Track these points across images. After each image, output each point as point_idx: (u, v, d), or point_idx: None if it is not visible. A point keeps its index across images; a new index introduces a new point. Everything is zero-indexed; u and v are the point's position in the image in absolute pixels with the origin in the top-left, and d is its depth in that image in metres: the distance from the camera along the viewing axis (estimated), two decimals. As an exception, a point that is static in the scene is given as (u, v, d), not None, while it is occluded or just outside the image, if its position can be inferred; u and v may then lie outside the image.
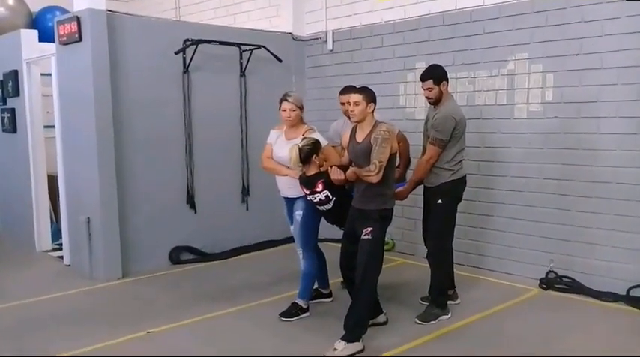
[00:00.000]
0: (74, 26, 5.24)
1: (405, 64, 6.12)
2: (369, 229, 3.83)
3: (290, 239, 6.24)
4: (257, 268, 5.93)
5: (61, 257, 6.23)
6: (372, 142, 3.81)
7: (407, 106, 6.16)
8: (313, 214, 4.31)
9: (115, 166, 5.50)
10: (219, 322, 4.41)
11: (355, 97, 3.90)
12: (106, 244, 5.49)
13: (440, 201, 4.39)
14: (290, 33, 6.98)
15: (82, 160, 5.61)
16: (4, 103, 6.91)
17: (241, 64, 6.43)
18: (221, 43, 6.13)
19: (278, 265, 5.83)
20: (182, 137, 6.05)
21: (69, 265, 6.02)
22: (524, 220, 5.35)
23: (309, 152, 4.04)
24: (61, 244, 6.37)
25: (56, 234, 6.68)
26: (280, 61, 6.62)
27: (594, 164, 4.89)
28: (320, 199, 4.09)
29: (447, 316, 4.37)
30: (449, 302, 4.53)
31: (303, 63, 7.13)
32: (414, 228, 6.08)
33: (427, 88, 4.36)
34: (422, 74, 4.41)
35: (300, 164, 4.08)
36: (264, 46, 6.42)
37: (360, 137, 3.94)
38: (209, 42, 6.02)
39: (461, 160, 4.45)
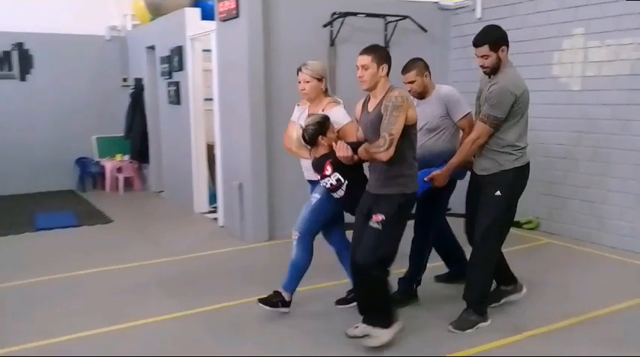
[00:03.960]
0: (233, 3, 5.60)
1: (560, 31, 5.70)
2: (381, 217, 3.24)
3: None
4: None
5: (216, 219, 6.78)
6: (382, 110, 3.21)
7: (561, 75, 5.75)
8: (330, 202, 3.72)
9: (266, 136, 5.81)
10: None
11: (363, 59, 3.28)
12: (255, 209, 5.87)
13: (499, 193, 3.61)
14: (436, 2, 6.81)
15: (236, 130, 6.02)
16: (170, 76, 7.61)
17: (386, 35, 6.43)
18: (367, 14, 6.17)
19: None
20: (327, 109, 6.21)
21: (222, 227, 6.54)
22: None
23: (315, 132, 3.44)
24: (216, 207, 6.89)
25: (212, 197, 7.27)
26: (425, 31, 6.51)
27: None
28: (331, 184, 3.47)
29: (486, 324, 3.71)
30: (513, 296, 4.06)
31: (449, 33, 6.94)
32: (561, 207, 5.75)
33: (482, 56, 3.59)
34: (475, 38, 3.64)
35: (308, 146, 3.53)
36: (409, 17, 6.35)
37: (371, 106, 3.36)
38: (355, 14, 6.10)
39: (525, 145, 3.69)
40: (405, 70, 4.04)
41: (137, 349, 3.51)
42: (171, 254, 5.48)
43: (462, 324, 3.68)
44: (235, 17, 5.65)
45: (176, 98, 7.47)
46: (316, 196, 3.80)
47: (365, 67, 3.26)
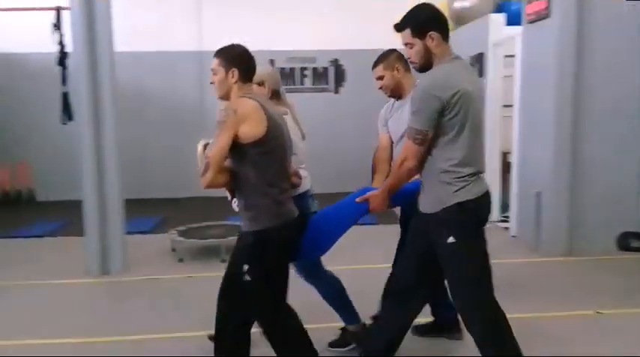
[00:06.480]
0: (543, 3, 5.42)
1: None
2: (245, 267, 2.66)
3: None
4: None
5: (507, 228, 6.59)
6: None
7: None
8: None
9: (570, 141, 5.45)
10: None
11: (213, 62, 2.69)
12: (554, 220, 5.53)
13: (452, 238, 2.65)
14: None
15: (537, 136, 5.78)
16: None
17: None
18: None
19: None
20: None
21: (514, 237, 6.32)
22: None
23: None
24: (507, 217, 6.72)
25: (504, 207, 7.07)
26: None
27: None
28: (237, 211, 2.85)
29: None
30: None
31: None
32: None
33: (406, 44, 2.68)
34: (397, 22, 2.71)
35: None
36: None
37: None
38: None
39: (472, 172, 2.65)
40: (373, 64, 3.37)
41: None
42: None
43: None
44: (545, 18, 5.44)
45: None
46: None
47: (214, 72, 2.70)
